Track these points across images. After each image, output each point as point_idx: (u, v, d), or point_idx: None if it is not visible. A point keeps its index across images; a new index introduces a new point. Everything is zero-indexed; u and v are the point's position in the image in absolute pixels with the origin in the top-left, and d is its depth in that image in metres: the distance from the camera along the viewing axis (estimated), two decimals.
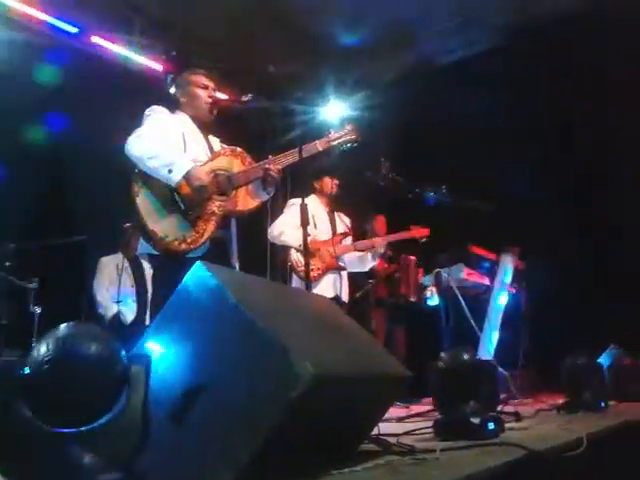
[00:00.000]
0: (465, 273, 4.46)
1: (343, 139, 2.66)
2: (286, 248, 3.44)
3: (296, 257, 3.48)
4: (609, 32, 4.90)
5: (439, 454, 1.62)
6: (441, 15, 5.88)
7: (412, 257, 4.82)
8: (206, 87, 2.61)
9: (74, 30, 5.61)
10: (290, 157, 2.52)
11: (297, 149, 2.50)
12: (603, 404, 3.08)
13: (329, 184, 3.73)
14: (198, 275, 1.35)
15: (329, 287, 3.57)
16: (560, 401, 3.24)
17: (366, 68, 6.63)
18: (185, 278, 1.37)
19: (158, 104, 2.53)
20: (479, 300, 4.67)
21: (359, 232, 4.30)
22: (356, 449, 1.66)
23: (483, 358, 4.22)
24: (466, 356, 2.08)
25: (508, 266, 4.67)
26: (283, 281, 3.56)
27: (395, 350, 4.81)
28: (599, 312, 4.67)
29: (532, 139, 5.10)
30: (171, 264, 2.28)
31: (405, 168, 4.36)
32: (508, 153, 4.98)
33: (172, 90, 2.64)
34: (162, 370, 1.32)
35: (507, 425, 2.37)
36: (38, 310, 4.03)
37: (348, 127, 2.69)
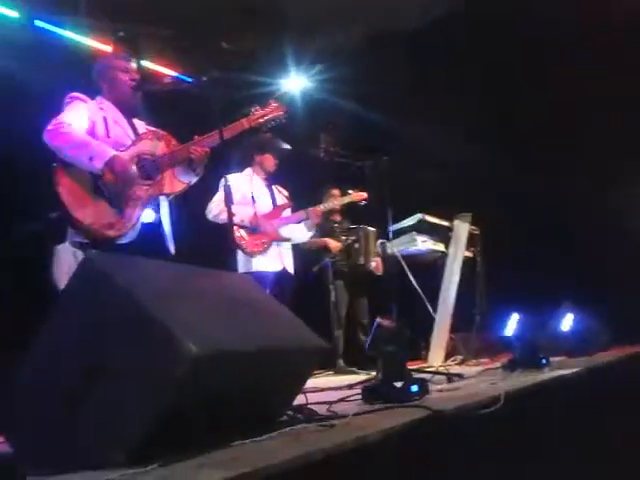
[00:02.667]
0: (419, 241, 4.53)
1: (269, 116, 2.67)
2: (228, 225, 3.46)
3: (239, 234, 3.51)
4: None
5: (350, 419, 1.69)
6: None
7: (371, 228, 4.88)
8: (127, 70, 2.60)
9: (15, 14, 5.49)
10: (215, 137, 2.53)
11: (222, 129, 2.51)
12: (545, 361, 3.19)
13: (271, 161, 3.75)
14: (88, 265, 1.39)
15: (274, 260, 3.63)
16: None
17: (321, 40, 6.59)
18: (77, 268, 1.40)
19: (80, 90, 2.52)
20: (435, 266, 4.77)
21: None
22: (274, 420, 1.72)
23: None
24: (381, 323, 2.15)
25: (462, 231, 4.75)
26: (229, 258, 3.59)
27: (359, 321, 4.90)
28: (553, 271, 4.80)
29: (482, 107, 5.15)
30: (101, 250, 2.30)
31: (358, 139, 4.41)
32: (459, 122, 5.03)
33: (95, 77, 2.63)
34: (59, 355, 1.36)
35: (439, 386, 2.48)
36: None
37: (273, 104, 2.70)
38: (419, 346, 4.93)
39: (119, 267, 1.41)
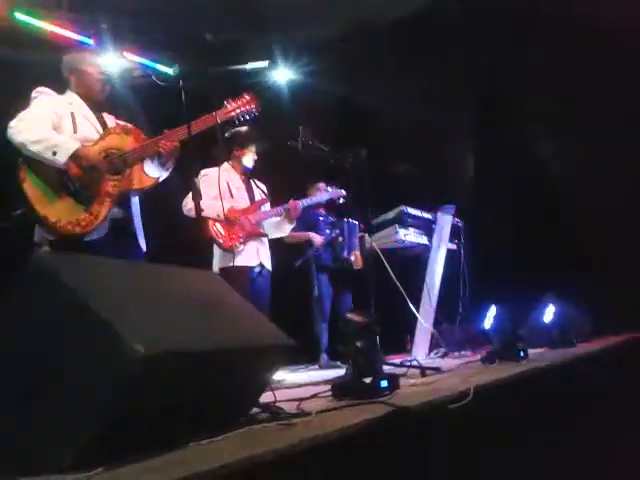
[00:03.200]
0: (401, 234, 4.51)
1: (242, 109, 2.64)
2: (204, 220, 3.43)
3: (215, 228, 3.48)
4: None
5: (314, 416, 1.68)
6: None
7: (355, 222, 4.86)
8: (95, 64, 2.57)
9: None
10: (185, 131, 2.49)
11: (193, 122, 2.48)
12: (523, 353, 3.18)
13: (249, 156, 3.71)
14: (37, 263, 1.36)
15: (252, 255, 3.59)
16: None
17: (305, 32, 6.54)
18: (25, 267, 1.37)
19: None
20: (418, 259, 4.75)
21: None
22: (238, 419, 1.69)
23: (426, 315, 4.36)
24: (350, 318, 2.13)
25: (446, 224, 4.73)
26: (206, 253, 3.56)
27: (343, 315, 4.88)
28: (536, 263, 4.79)
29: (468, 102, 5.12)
30: (71, 249, 2.27)
31: (340, 133, 4.36)
32: (444, 113, 5.00)
33: (63, 71, 2.59)
34: (9, 353, 1.34)
35: (412, 381, 2.47)
36: None
37: (247, 96, 2.66)
38: (404, 339, 4.94)
39: (69, 266, 1.38)
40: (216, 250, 3.55)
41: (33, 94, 2.46)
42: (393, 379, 2.13)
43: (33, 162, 2.30)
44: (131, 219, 2.52)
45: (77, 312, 1.28)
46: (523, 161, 5.09)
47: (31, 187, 2.28)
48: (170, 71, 3.25)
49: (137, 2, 5.83)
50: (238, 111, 2.64)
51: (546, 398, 2.50)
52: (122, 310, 1.33)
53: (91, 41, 6.01)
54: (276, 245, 4.03)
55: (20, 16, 5.51)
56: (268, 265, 3.73)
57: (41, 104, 2.42)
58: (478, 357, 3.43)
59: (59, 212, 2.28)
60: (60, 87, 2.56)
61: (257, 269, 3.67)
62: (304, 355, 4.60)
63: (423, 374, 2.61)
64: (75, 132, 2.42)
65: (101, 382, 1.23)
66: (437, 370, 2.84)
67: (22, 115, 2.36)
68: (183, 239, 3.50)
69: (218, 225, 3.47)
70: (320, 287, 4.81)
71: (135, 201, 2.56)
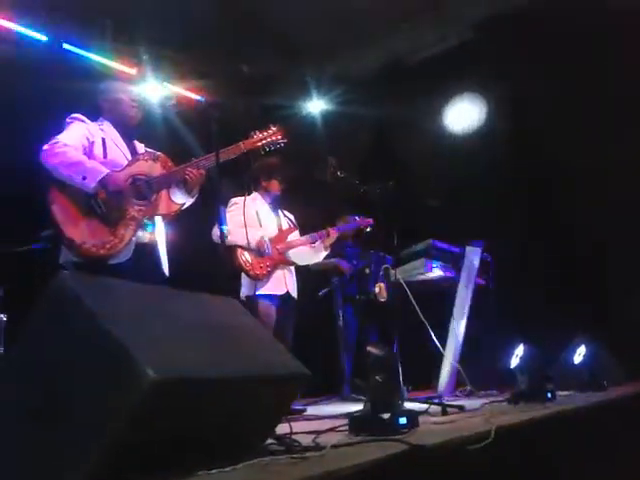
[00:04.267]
0: (429, 267, 4.46)
1: (268, 140, 2.68)
2: (233, 248, 3.46)
3: (244, 257, 3.50)
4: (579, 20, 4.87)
5: (327, 451, 1.64)
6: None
7: (381, 254, 4.83)
8: (128, 92, 2.65)
9: (44, 38, 5.65)
10: (211, 159, 2.54)
11: (220, 151, 2.52)
12: (551, 395, 3.08)
13: (277, 186, 3.77)
14: (58, 284, 1.38)
15: (279, 284, 3.61)
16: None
17: (339, 65, 6.64)
18: (47, 288, 1.39)
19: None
20: (445, 293, 4.68)
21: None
22: (252, 450, 1.67)
23: (451, 352, 4.28)
24: (370, 351, 2.10)
25: (474, 258, 4.67)
26: (233, 281, 3.58)
27: (366, 349, 4.82)
28: (567, 302, 4.68)
29: (494, 136, 5.10)
30: (95, 271, 2.31)
31: (369, 165, 4.37)
32: (473, 149, 4.98)
33: (98, 98, 2.68)
34: (27, 374, 1.35)
35: (433, 419, 2.41)
36: (4, 317, 4.09)
37: (273, 128, 2.71)
38: (429, 375, 4.83)
39: (90, 288, 1.40)
40: (244, 278, 3.57)
41: (67, 120, 2.55)
42: (412, 416, 2.07)
43: (63, 185, 2.37)
44: (156, 244, 2.56)
45: (94, 334, 1.29)
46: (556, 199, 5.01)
47: (60, 209, 2.34)
48: (204, 100, 3.33)
49: (177, 34, 6.04)
50: (264, 142, 2.69)
51: (572, 443, 2.40)
52: (138, 334, 1.33)
53: (133, 71, 6.25)
54: (301, 274, 4.03)
55: (68, 47, 5.77)
56: (294, 293, 3.74)
57: (74, 130, 2.50)
58: (504, 397, 3.34)
59: (85, 234, 2.33)
60: (94, 114, 2.65)
61: (283, 297, 3.68)
62: (326, 386, 4.55)
63: (444, 412, 2.55)
64: (105, 157, 2.49)
65: (112, 405, 1.23)
66: (460, 408, 2.77)
67: (55, 139, 2.44)
68: (209, 266, 3.53)
69: (246, 253, 3.50)
70: (345, 318, 4.79)
71: (161, 226, 2.60)
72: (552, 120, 4.87)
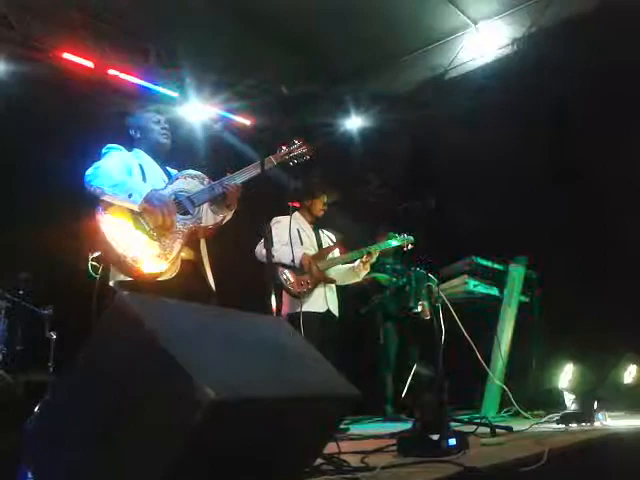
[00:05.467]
0: (471, 285, 4.42)
1: (294, 153, 2.77)
2: (275, 265, 3.50)
3: (285, 275, 3.54)
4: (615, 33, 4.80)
5: (378, 472, 1.64)
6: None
7: (422, 270, 4.80)
8: (158, 122, 2.76)
9: (90, 64, 5.88)
10: (247, 173, 2.62)
11: (253, 164, 2.60)
12: (601, 416, 3.00)
13: (319, 206, 3.81)
14: (119, 304, 1.42)
15: (319, 301, 3.63)
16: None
17: (378, 83, 6.67)
18: (109, 308, 1.44)
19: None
20: (489, 311, 4.61)
21: None
22: (301, 470, 1.68)
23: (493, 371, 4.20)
24: (418, 372, 2.09)
25: (518, 275, 4.59)
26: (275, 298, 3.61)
27: (409, 366, 4.78)
28: (616, 319, 4.54)
29: (538, 147, 5.03)
30: (144, 289, 2.37)
31: (410, 182, 4.36)
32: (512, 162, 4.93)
33: (130, 130, 2.80)
34: (87, 395, 1.40)
35: (482, 440, 2.37)
36: (54, 336, 4.22)
37: (298, 142, 2.79)
38: (473, 395, 4.74)
39: (148, 309, 1.44)
40: (285, 296, 3.60)
41: (104, 150, 2.66)
42: (462, 437, 2.05)
43: (109, 205, 2.44)
44: (201, 260, 2.62)
45: (154, 353, 1.32)
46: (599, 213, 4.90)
47: (108, 229, 2.41)
48: (246, 122, 3.39)
49: (218, 58, 6.20)
50: (291, 155, 2.76)
51: (624, 466, 2.33)
52: (196, 354, 1.36)
53: (176, 94, 6.43)
54: (342, 292, 4.04)
55: (112, 71, 5.99)
56: (335, 311, 3.75)
57: (112, 157, 2.61)
58: (551, 417, 3.26)
59: (134, 252, 2.39)
60: (129, 144, 2.77)
61: (324, 315, 3.69)
62: (368, 405, 4.52)
63: (493, 433, 2.51)
64: (144, 181, 2.58)
65: (171, 423, 1.26)
66: (508, 429, 2.72)
67: (97, 164, 2.54)
68: (249, 283, 3.57)
69: (287, 271, 3.54)
70: (386, 336, 4.76)
71: (203, 243, 2.66)
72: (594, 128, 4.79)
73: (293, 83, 6.43)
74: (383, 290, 4.83)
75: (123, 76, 6.08)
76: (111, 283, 2.48)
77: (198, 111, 6.38)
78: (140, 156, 2.71)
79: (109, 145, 2.66)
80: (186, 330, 1.47)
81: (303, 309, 3.57)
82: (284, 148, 2.77)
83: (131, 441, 1.30)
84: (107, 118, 4.76)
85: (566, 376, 3.41)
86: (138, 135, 2.76)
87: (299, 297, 3.55)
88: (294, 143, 2.80)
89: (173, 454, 1.24)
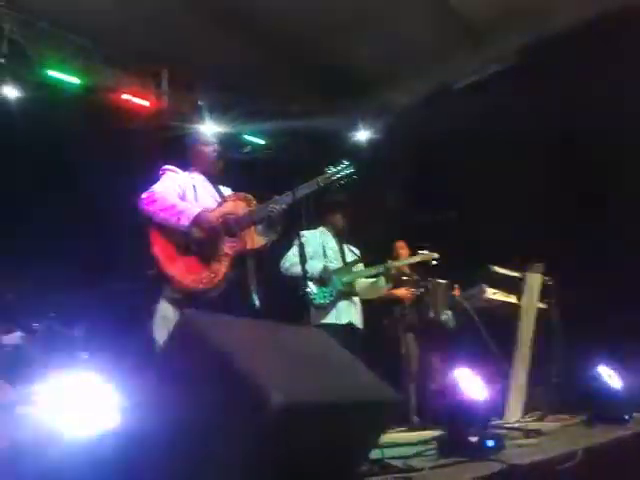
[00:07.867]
0: (489, 293, 4.49)
1: (341, 174, 2.84)
2: (299, 279, 3.60)
3: (309, 288, 3.64)
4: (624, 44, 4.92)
5: (427, 472, 1.74)
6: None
7: (442, 281, 4.88)
8: (208, 144, 2.89)
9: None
10: (294, 195, 2.73)
11: (302, 186, 2.72)
12: (627, 417, 3.07)
13: (340, 220, 3.93)
14: (184, 322, 1.54)
15: (343, 313, 3.72)
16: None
17: (385, 96, 6.80)
18: (175, 325, 1.55)
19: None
20: (508, 319, 4.68)
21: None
22: (352, 473, 1.78)
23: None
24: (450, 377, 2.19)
25: (535, 282, 4.66)
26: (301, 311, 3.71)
27: (431, 376, 4.85)
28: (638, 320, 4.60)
29: (549, 157, 5.13)
30: (193, 305, 2.48)
31: (423, 193, 4.45)
32: (524, 171, 5.02)
33: (185, 151, 2.94)
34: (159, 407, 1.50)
35: (517, 442, 2.45)
36: (85, 356, 4.32)
37: (345, 163, 2.87)
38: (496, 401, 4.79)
39: (211, 325, 1.55)
40: (310, 308, 3.70)
41: (160, 172, 2.80)
42: (499, 439, 2.14)
43: (161, 227, 2.59)
44: (247, 278, 2.73)
45: (221, 365, 1.43)
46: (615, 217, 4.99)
47: (160, 249, 2.56)
48: (261, 142, 3.52)
49: (229, 79, 6.36)
50: (337, 176, 2.84)
51: None
52: (258, 364, 1.47)
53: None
54: (362, 304, 4.13)
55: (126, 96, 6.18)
56: (359, 324, 3.85)
57: (167, 180, 2.75)
58: (577, 420, 3.33)
59: (184, 271, 2.53)
60: (185, 164, 2.91)
61: (347, 327, 3.78)
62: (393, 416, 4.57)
63: (527, 435, 2.59)
64: (196, 201, 2.71)
65: (243, 431, 1.36)
66: (538, 432, 2.80)
67: (152, 189, 2.68)
68: (278, 297, 3.67)
69: (311, 284, 3.65)
70: (407, 346, 4.83)
71: (250, 261, 2.78)
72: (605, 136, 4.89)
73: (304, 99, 6.57)
74: (403, 301, 4.91)
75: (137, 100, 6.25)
76: (162, 299, 2.61)
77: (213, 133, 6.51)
78: (194, 176, 2.85)
79: (165, 167, 2.81)
80: (245, 343, 1.59)
81: (326, 321, 3.67)
82: (332, 169, 2.85)
83: (205, 455, 1.39)
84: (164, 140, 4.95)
85: (592, 377, 3.46)
86: (191, 156, 2.90)
87: (322, 309, 3.65)
88: (341, 163, 2.87)
89: (246, 458, 1.34)
